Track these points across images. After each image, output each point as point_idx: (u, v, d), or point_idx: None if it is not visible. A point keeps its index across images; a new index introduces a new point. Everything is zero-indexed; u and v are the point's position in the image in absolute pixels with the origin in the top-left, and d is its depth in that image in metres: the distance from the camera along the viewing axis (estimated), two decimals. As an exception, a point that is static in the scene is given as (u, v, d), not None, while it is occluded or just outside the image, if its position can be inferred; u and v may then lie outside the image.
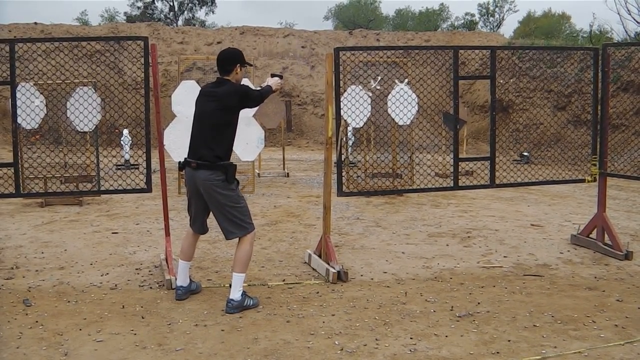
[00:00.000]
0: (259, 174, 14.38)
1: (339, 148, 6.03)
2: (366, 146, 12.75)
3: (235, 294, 4.82)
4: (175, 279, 5.24)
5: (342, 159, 6.48)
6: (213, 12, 47.68)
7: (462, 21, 47.71)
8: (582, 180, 7.14)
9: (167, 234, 6.02)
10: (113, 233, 7.86)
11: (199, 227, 5.17)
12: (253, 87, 5.73)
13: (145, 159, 6.08)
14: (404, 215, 9.34)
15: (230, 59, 4.99)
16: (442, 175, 11.86)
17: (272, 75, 5.35)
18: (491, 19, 48.34)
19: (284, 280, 5.77)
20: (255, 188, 11.54)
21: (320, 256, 6.17)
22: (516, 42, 27.36)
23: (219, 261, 6.46)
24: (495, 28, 47.18)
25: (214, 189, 4.82)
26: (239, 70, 5.02)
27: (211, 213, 5.07)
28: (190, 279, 5.23)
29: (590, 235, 7.16)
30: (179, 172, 10.70)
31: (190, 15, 45.55)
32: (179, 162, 5.06)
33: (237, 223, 4.92)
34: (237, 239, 4.95)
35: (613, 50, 7.89)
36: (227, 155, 4.93)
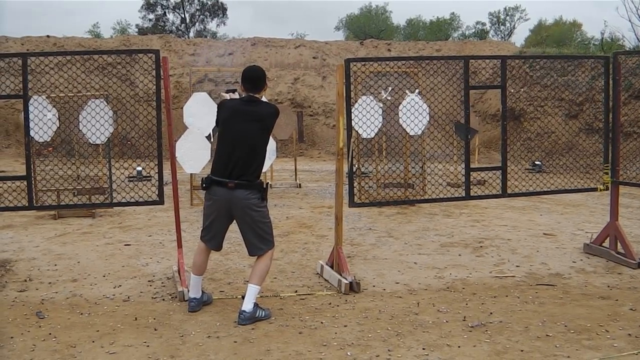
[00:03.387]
0: (270, 184, 14.39)
1: (350, 159, 6.04)
2: (378, 156, 12.74)
3: (248, 305, 4.83)
4: (188, 291, 5.26)
5: (354, 170, 6.49)
6: (224, 24, 47.82)
7: (473, 30, 47.69)
8: (594, 189, 7.10)
9: (180, 245, 6.05)
10: (125, 245, 7.89)
11: (216, 244, 5.18)
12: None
13: (157, 171, 6.11)
14: (416, 225, 9.33)
15: (263, 77, 5.04)
16: (454, 185, 11.82)
17: (230, 91, 5.40)
18: (502, 27, 48.33)
19: (296, 292, 5.78)
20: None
21: (332, 267, 6.17)
22: (527, 51, 27.30)
23: (231, 273, 6.47)
24: (506, 37, 47.14)
25: (250, 207, 4.87)
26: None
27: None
28: (201, 291, 5.25)
29: (603, 244, 7.12)
30: (190, 190, 10.74)
31: (202, 27, 45.70)
32: (202, 179, 5.03)
33: (265, 238, 4.99)
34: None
35: (624, 58, 7.86)
36: (260, 173, 5.00)
